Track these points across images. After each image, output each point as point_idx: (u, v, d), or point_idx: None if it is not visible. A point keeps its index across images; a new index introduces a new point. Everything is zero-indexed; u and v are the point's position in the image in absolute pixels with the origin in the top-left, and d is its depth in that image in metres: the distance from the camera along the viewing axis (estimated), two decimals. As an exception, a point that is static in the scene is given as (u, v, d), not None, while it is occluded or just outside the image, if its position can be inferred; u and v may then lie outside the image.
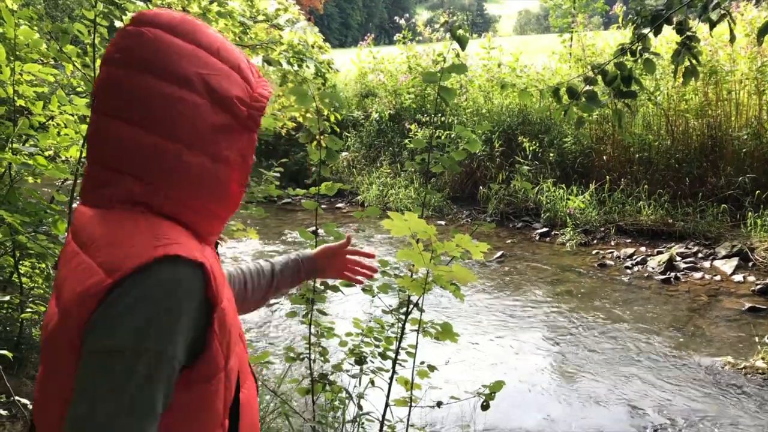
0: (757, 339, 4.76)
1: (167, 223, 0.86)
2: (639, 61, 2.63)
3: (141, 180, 0.86)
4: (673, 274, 6.48)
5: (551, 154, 9.20)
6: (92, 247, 0.83)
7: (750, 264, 6.57)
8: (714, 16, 2.49)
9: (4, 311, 3.39)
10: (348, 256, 1.57)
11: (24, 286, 3.29)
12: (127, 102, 0.85)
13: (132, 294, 0.77)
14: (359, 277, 1.60)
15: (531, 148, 9.13)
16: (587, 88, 2.62)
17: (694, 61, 2.67)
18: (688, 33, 2.60)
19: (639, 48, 2.60)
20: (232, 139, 0.90)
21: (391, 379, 2.48)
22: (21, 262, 3.29)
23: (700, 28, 4.03)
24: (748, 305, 5.53)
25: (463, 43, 2.02)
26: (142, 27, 0.87)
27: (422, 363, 2.58)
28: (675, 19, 2.55)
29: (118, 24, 3.49)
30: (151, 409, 0.77)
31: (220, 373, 0.87)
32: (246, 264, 1.46)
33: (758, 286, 5.93)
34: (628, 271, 6.77)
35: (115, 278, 0.78)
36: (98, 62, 3.12)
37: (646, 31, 2.56)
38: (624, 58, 2.64)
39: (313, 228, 2.47)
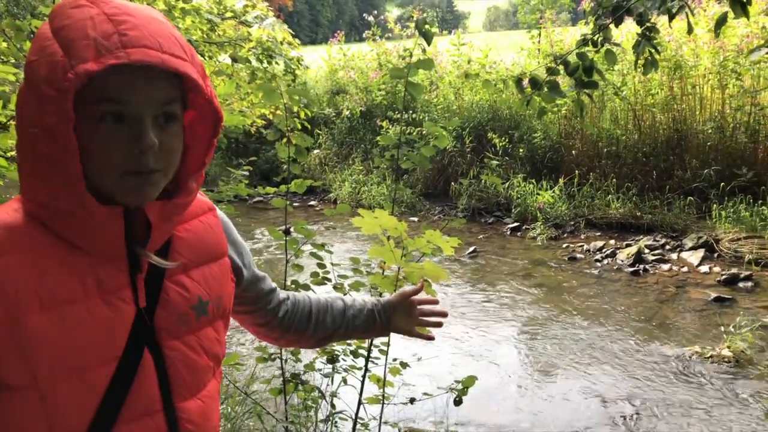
0: (722, 328, 4.86)
1: (11, 215, 0.86)
2: (600, 51, 2.67)
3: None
4: (641, 266, 6.58)
5: (521, 150, 9.28)
6: None
7: (715, 255, 6.71)
8: (673, 8, 2.53)
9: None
10: (419, 307, 1.41)
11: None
12: None
13: None
14: (430, 331, 1.45)
15: (501, 144, 9.20)
16: (549, 78, 2.64)
17: (654, 52, 2.71)
18: (648, 24, 2.64)
19: (600, 39, 2.64)
20: (46, 130, 0.79)
21: (363, 377, 2.47)
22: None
23: (664, 24, 4.10)
24: (714, 295, 5.65)
25: (428, 37, 2.02)
26: None
27: (395, 360, 2.58)
28: (635, 11, 2.60)
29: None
30: None
31: (24, 391, 0.81)
32: (318, 297, 1.34)
33: (723, 277, 6.05)
34: (598, 264, 6.86)
35: None
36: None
37: (607, 21, 2.60)
38: (586, 49, 2.67)
39: (284, 227, 2.45)
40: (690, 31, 2.69)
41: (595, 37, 2.68)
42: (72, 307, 0.83)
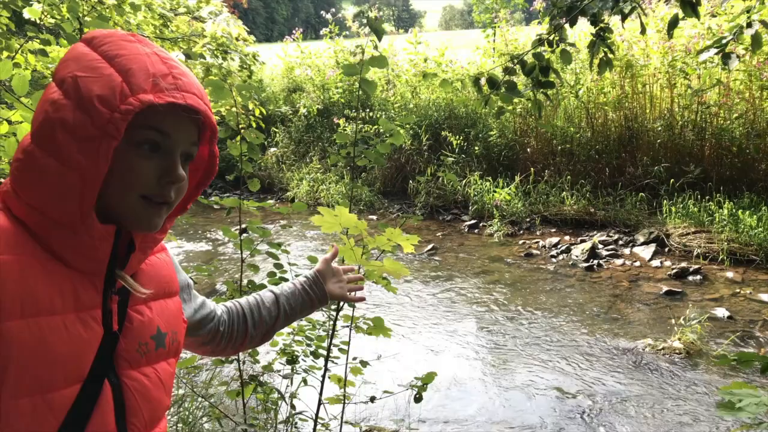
0: (673, 321, 5.00)
1: (5, 227, 0.83)
2: (556, 51, 2.70)
3: (11, 181, 0.88)
4: (595, 261, 6.72)
5: (477, 148, 9.36)
6: None
7: (666, 249, 6.90)
8: (626, 8, 2.58)
9: None
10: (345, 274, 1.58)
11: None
12: None
13: None
14: (359, 294, 1.60)
15: (457, 143, 9.26)
16: (507, 78, 2.66)
17: (608, 52, 2.76)
18: (602, 24, 2.68)
19: (556, 39, 2.67)
20: (85, 142, 0.82)
21: (323, 377, 2.45)
22: None
23: (615, 24, 4.18)
24: (665, 289, 5.80)
25: (379, 33, 2.00)
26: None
27: (355, 359, 2.56)
28: (589, 11, 2.63)
29: (26, 15, 3.27)
30: None
31: None
32: (246, 298, 1.41)
33: (674, 271, 6.23)
34: (554, 259, 6.97)
35: None
36: (4, 54, 2.92)
37: (562, 21, 2.62)
38: (542, 49, 2.70)
39: (239, 226, 2.40)
40: (643, 31, 2.75)
41: (551, 37, 2.71)
42: (50, 319, 0.82)
